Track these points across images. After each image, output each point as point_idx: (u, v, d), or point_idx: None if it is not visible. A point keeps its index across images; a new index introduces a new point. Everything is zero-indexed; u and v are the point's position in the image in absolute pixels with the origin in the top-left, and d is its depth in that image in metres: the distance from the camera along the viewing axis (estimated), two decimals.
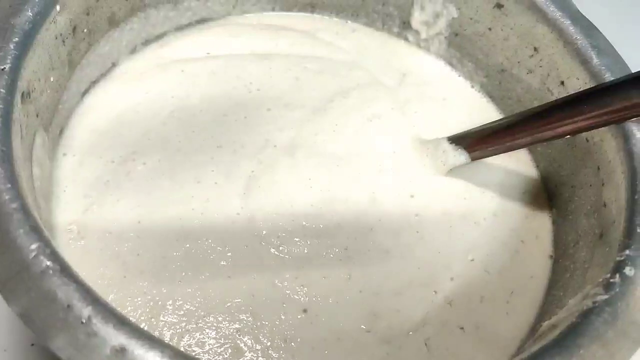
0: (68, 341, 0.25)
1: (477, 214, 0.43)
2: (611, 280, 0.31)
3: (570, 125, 0.37)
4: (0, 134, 0.30)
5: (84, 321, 0.25)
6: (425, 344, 0.36)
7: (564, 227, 0.42)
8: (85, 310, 0.25)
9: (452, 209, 0.43)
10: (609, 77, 0.40)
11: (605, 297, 0.30)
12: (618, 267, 0.32)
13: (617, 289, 0.30)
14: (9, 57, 0.33)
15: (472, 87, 0.52)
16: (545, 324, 0.34)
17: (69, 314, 0.25)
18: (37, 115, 0.36)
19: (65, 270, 0.26)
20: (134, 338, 0.25)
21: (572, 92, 0.40)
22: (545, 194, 0.46)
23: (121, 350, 0.25)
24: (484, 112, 0.50)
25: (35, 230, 0.27)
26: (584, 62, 0.42)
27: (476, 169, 0.45)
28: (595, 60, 0.41)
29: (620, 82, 0.37)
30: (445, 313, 0.38)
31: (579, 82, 0.42)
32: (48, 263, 0.26)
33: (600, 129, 0.38)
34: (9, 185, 0.28)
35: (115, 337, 0.25)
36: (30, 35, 0.34)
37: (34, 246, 0.27)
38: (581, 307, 0.30)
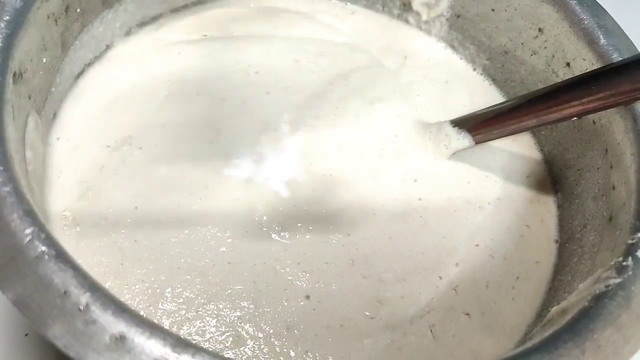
0: (65, 329, 0.24)
1: (481, 198, 0.42)
2: (624, 263, 0.30)
3: (577, 107, 0.36)
4: None
5: (81, 308, 0.24)
6: (431, 331, 0.36)
7: (570, 211, 0.41)
8: (83, 297, 0.24)
9: (455, 193, 0.42)
10: (616, 57, 0.39)
11: (618, 280, 0.30)
12: (630, 250, 0.31)
13: (630, 272, 0.30)
14: (0, 35, 0.31)
15: (474, 69, 0.51)
16: (554, 309, 0.33)
17: (66, 301, 0.24)
18: (29, 97, 0.35)
19: (61, 255, 0.25)
20: (134, 325, 0.24)
21: (579, 74, 0.39)
22: (550, 177, 0.45)
23: (121, 338, 0.24)
24: (486, 95, 0.50)
25: (30, 214, 0.26)
26: (591, 43, 0.41)
27: (479, 153, 0.44)
28: (602, 41, 0.40)
29: (628, 62, 0.36)
30: (451, 299, 0.37)
31: (585, 63, 0.41)
32: (43, 248, 0.25)
33: (608, 110, 0.37)
34: (2, 168, 0.27)
35: (114, 325, 0.24)
36: (22, 13, 0.33)
37: (28, 231, 0.26)
38: (593, 291, 0.30)
